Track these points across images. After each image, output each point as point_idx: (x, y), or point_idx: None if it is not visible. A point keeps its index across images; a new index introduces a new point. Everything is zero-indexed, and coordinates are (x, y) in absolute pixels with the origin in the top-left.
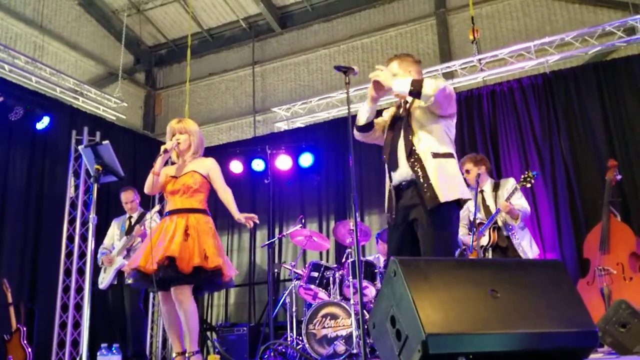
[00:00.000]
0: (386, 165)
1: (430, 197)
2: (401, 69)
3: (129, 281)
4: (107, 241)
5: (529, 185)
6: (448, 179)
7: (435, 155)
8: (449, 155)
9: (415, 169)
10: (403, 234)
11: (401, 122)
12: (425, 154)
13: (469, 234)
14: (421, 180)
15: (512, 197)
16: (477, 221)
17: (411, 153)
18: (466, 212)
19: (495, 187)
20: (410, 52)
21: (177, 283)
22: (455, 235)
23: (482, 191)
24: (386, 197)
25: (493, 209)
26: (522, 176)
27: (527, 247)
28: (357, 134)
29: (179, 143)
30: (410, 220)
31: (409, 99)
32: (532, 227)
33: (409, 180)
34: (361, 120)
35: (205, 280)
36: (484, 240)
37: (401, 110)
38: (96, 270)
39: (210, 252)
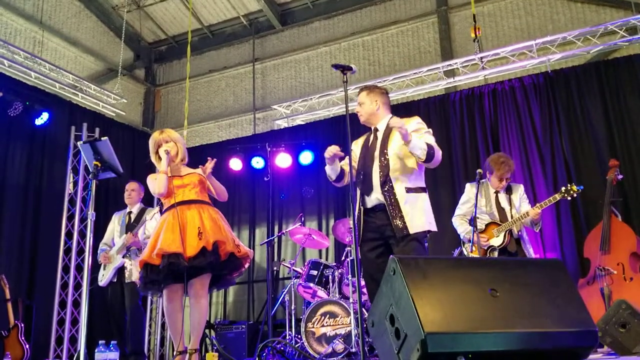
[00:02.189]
0: (358, 190)
1: (399, 227)
2: (368, 99)
3: (129, 280)
4: (107, 236)
5: (569, 198)
6: (418, 213)
7: (409, 190)
8: (421, 190)
9: (388, 198)
10: (377, 249)
11: (374, 149)
12: (399, 187)
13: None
14: (392, 210)
15: (545, 205)
16: (489, 221)
17: (385, 182)
18: (471, 208)
19: (508, 190)
20: (411, 50)
21: (208, 271)
22: (425, 252)
23: (497, 192)
24: (355, 219)
25: (508, 211)
26: (564, 188)
27: (532, 254)
28: (335, 184)
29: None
30: (386, 237)
31: (381, 126)
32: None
33: (384, 204)
34: (332, 177)
35: (233, 268)
36: (497, 242)
37: (372, 137)
38: (96, 267)
39: (238, 241)
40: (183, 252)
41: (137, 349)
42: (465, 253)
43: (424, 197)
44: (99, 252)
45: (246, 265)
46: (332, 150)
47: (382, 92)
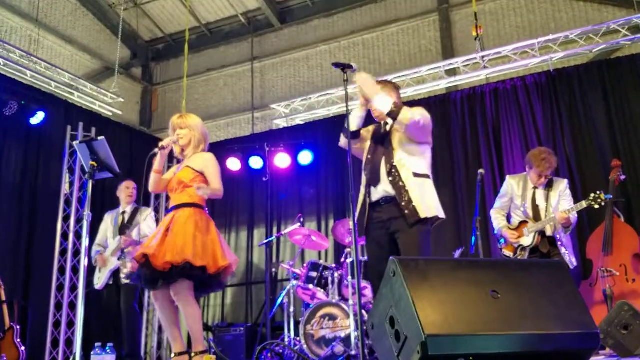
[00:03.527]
0: (365, 180)
1: (410, 213)
2: (383, 93)
3: (125, 281)
4: (99, 237)
5: (597, 206)
6: (427, 198)
7: (416, 175)
8: (427, 177)
9: (397, 186)
10: (384, 245)
11: (383, 139)
12: (406, 173)
13: (510, 228)
14: (402, 197)
15: (571, 211)
16: (523, 219)
17: (392, 171)
18: (508, 203)
19: (549, 185)
20: (412, 49)
21: (169, 281)
22: (430, 247)
23: (535, 188)
24: (358, 211)
25: (543, 209)
26: (592, 195)
27: (573, 256)
28: (343, 141)
29: (180, 138)
30: (391, 232)
31: (390, 119)
32: None
33: (390, 197)
34: (353, 125)
35: (178, 276)
36: (527, 241)
37: (382, 129)
38: (91, 270)
39: (183, 246)
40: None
41: (133, 351)
42: (499, 248)
43: (430, 183)
44: (93, 254)
45: (211, 271)
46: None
47: (395, 86)
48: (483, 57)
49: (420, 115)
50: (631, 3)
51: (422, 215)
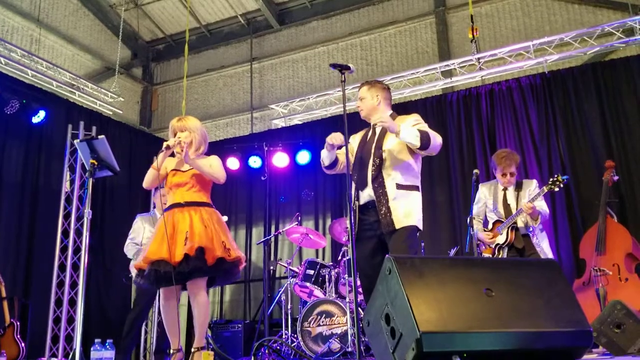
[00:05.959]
0: (354, 184)
1: (386, 223)
2: (369, 94)
3: (140, 281)
4: (133, 235)
5: (557, 189)
6: (406, 210)
7: (400, 186)
8: (414, 188)
9: (377, 194)
10: (371, 250)
11: (371, 145)
12: (390, 183)
13: (485, 230)
14: (381, 206)
15: (535, 199)
16: (495, 219)
17: (377, 178)
18: (483, 208)
19: (518, 187)
20: (409, 50)
21: (196, 275)
22: (416, 244)
23: (505, 189)
24: (350, 214)
25: (514, 208)
26: (551, 179)
27: (548, 249)
28: (325, 171)
29: (181, 141)
30: (379, 233)
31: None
32: None
33: (374, 201)
34: (325, 162)
35: (224, 272)
36: (501, 239)
37: (370, 134)
38: (125, 261)
39: (229, 244)
40: (169, 260)
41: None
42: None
43: (416, 195)
44: (130, 247)
45: (240, 268)
46: (338, 138)
47: (383, 87)
48: (479, 59)
49: (435, 134)
50: (625, 6)
51: (397, 226)
